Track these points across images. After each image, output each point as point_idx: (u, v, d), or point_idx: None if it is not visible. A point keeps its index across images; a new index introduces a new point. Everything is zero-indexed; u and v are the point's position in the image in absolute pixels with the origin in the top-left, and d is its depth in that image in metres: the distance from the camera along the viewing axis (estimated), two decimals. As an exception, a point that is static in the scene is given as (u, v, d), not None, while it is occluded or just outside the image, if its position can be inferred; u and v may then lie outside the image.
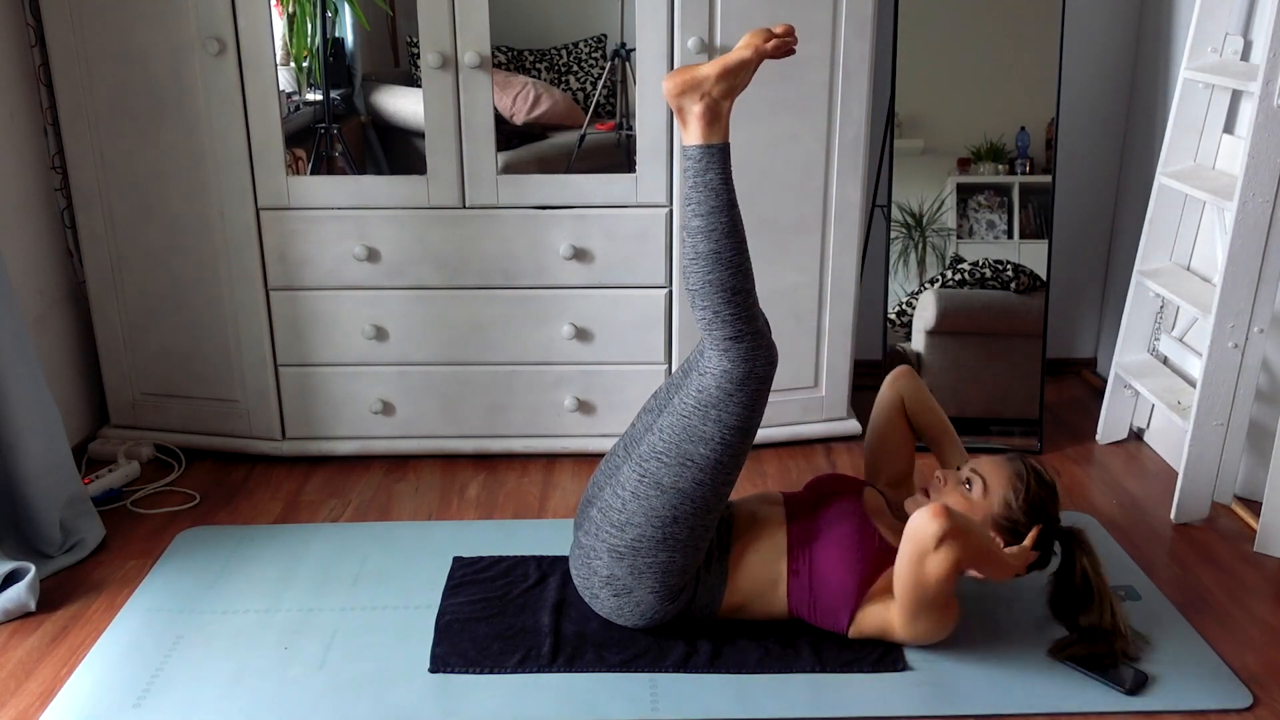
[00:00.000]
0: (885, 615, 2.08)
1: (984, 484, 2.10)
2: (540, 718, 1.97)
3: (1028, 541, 2.05)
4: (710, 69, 2.01)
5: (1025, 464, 2.13)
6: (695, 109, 2.02)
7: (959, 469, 2.16)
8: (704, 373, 2.04)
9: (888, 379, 2.41)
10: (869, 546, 2.10)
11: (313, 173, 2.84)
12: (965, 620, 2.14)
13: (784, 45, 2.04)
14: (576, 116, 2.93)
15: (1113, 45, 3.30)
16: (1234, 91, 2.74)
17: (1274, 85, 2.40)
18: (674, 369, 2.91)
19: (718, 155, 2.02)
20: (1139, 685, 2.03)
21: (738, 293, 2.01)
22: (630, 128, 2.81)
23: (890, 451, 2.39)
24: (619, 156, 2.88)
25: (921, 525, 1.92)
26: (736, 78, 2.02)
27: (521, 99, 2.87)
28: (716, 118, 2.03)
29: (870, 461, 2.42)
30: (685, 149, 2.04)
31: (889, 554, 2.09)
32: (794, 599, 2.13)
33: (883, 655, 2.11)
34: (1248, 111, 2.63)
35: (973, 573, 2.01)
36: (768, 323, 2.10)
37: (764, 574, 2.14)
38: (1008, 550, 2.04)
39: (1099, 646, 2.08)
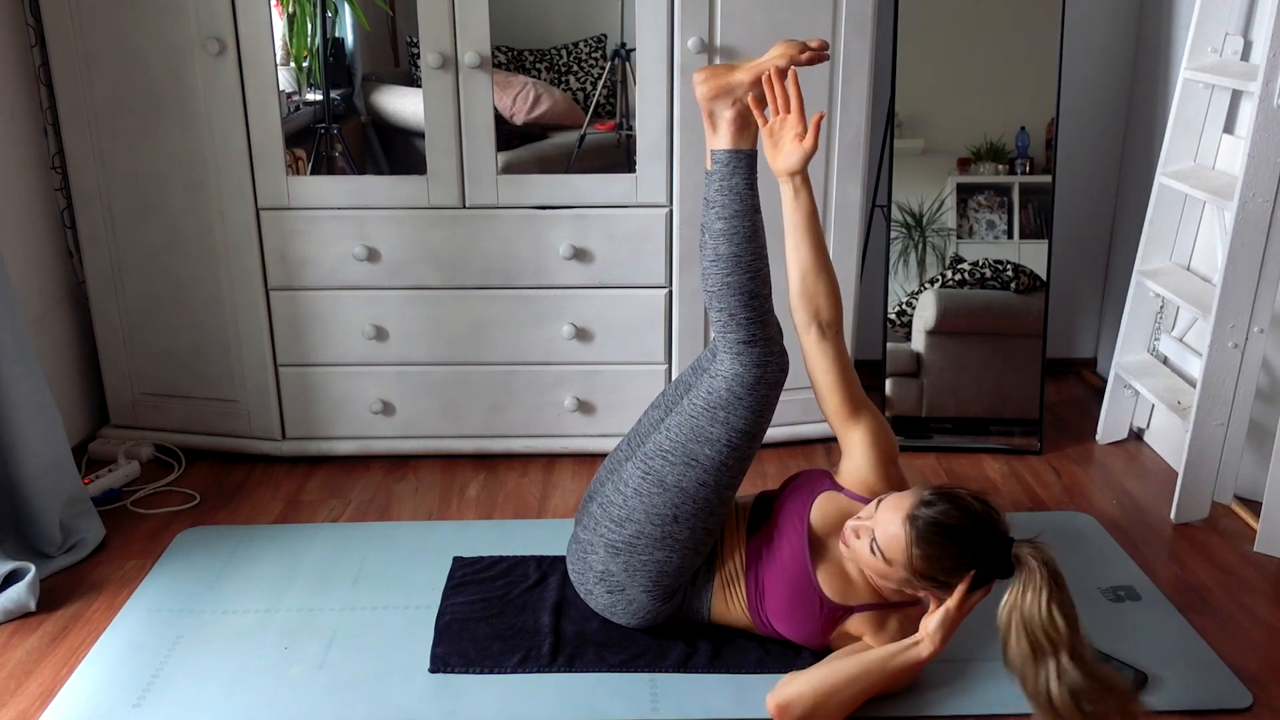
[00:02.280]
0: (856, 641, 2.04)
1: (883, 557, 1.89)
2: (540, 718, 1.97)
3: (952, 600, 1.88)
4: (745, 75, 2.02)
5: (919, 515, 1.84)
6: (727, 114, 2.03)
7: (859, 518, 1.95)
8: (715, 375, 2.04)
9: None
10: (811, 611, 2.01)
11: (313, 173, 2.84)
12: (965, 620, 2.12)
13: (816, 60, 2.06)
14: (576, 116, 2.93)
15: (1113, 45, 3.30)
16: (1234, 91, 2.74)
17: (1274, 85, 2.40)
18: (674, 369, 2.91)
19: (745, 161, 2.03)
20: (1139, 685, 2.02)
21: (754, 297, 2.02)
22: (630, 128, 2.81)
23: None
24: (619, 156, 2.88)
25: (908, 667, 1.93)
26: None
27: (521, 99, 2.87)
28: (747, 124, 2.04)
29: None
30: (713, 152, 2.05)
31: (835, 614, 2.00)
32: (760, 628, 2.11)
33: (882, 655, 2.10)
34: (1248, 111, 2.63)
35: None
36: (781, 330, 2.10)
37: (735, 606, 2.11)
38: (926, 619, 1.92)
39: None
